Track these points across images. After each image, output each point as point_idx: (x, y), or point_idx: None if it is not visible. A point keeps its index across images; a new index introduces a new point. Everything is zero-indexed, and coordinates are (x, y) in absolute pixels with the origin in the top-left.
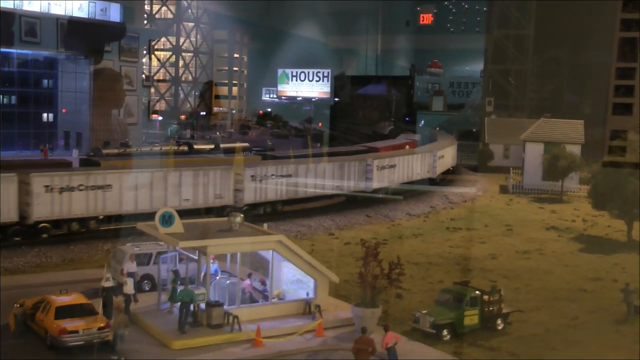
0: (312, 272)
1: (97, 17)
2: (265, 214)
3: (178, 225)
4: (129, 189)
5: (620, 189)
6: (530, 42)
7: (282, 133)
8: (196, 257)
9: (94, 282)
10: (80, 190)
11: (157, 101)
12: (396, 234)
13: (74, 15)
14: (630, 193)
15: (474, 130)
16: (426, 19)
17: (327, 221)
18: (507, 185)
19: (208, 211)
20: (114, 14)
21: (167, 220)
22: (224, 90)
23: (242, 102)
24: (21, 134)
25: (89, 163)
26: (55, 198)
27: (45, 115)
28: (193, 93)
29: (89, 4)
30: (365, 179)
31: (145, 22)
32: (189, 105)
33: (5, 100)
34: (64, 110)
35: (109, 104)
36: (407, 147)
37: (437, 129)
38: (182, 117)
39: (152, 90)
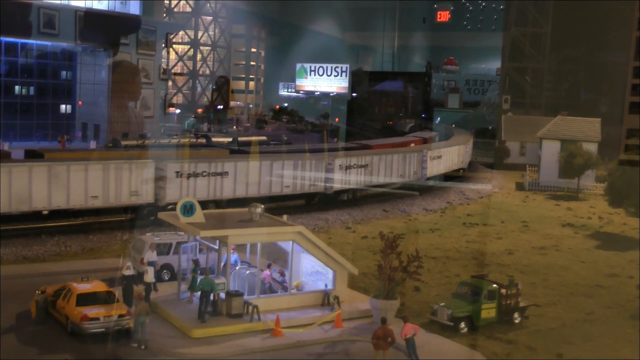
0: (331, 264)
1: (116, 10)
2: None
3: (199, 215)
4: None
5: (636, 187)
6: (547, 40)
7: (299, 128)
8: (216, 247)
9: (113, 272)
10: (204, 176)
11: (175, 94)
12: (413, 229)
13: (93, 7)
14: None
15: (490, 127)
16: (443, 16)
17: (344, 215)
18: (523, 182)
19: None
20: (134, 7)
21: (188, 210)
22: (240, 85)
23: (259, 97)
24: (39, 125)
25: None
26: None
27: (63, 106)
28: (210, 87)
29: None
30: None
31: (165, 15)
32: (206, 98)
33: (24, 91)
34: (80, 103)
35: (127, 97)
36: (413, 144)
37: (453, 126)
38: (199, 110)
39: (170, 83)
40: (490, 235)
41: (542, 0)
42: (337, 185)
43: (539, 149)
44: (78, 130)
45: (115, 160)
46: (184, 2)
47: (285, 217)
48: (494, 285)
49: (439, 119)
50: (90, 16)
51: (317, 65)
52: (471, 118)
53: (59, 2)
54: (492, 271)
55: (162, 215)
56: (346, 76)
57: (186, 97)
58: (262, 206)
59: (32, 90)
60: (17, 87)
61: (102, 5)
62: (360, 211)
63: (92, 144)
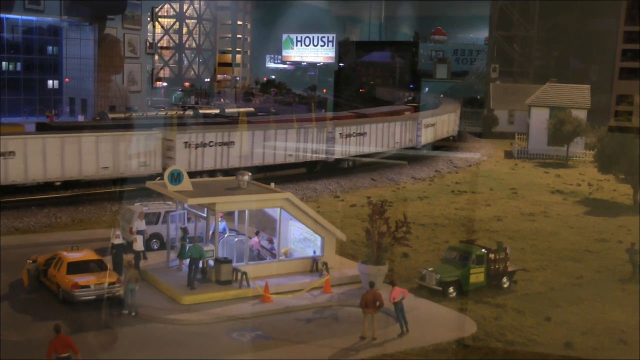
0: (319, 230)
1: None
2: None
3: (187, 183)
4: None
5: (626, 153)
6: (536, 9)
7: (286, 100)
8: (204, 215)
9: (103, 242)
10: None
11: (161, 68)
12: (401, 197)
13: None
14: (636, 157)
15: (478, 97)
16: None
17: (332, 184)
18: (512, 150)
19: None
20: None
21: (175, 178)
22: (227, 58)
23: (246, 70)
24: (27, 100)
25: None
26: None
27: (50, 82)
28: (197, 60)
29: None
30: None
31: None
32: (192, 72)
33: (11, 67)
34: (67, 80)
35: (109, 70)
36: (407, 113)
37: (442, 96)
38: (187, 84)
39: (156, 57)
40: (478, 202)
41: None
42: (337, 154)
43: (528, 117)
44: (65, 105)
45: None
46: None
47: (273, 184)
48: (483, 250)
49: (427, 89)
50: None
51: (304, 36)
52: (459, 88)
53: None
54: (480, 237)
55: (149, 184)
56: (333, 46)
57: (173, 71)
58: (249, 174)
59: (18, 66)
60: (3, 63)
61: None
62: (349, 180)
63: (80, 119)
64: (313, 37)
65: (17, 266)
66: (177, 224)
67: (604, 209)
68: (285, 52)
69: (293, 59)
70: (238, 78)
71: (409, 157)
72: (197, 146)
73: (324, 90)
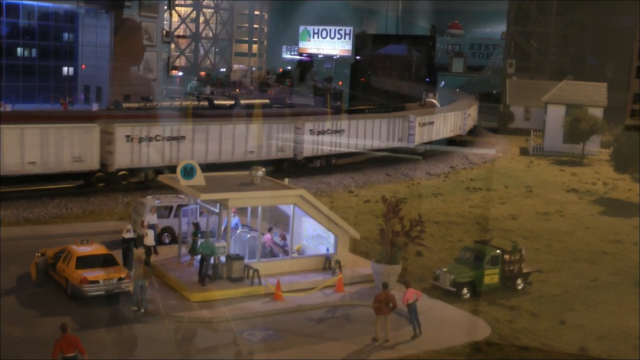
0: (333, 228)
1: None
2: None
3: (200, 177)
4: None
5: None
6: (553, 5)
7: (302, 92)
8: (217, 211)
9: (114, 235)
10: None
11: (177, 57)
12: (416, 193)
13: None
14: None
15: (494, 92)
16: None
17: (346, 179)
18: (528, 147)
19: None
20: None
21: (188, 172)
22: (244, 48)
23: (262, 60)
24: (41, 87)
25: None
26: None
27: (65, 69)
28: (213, 50)
29: None
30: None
31: None
32: (208, 61)
33: (26, 53)
34: (83, 66)
35: (129, 58)
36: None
37: (457, 90)
38: (202, 73)
39: (172, 46)
40: (493, 200)
41: None
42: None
43: (544, 114)
44: (80, 92)
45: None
46: None
47: (286, 180)
48: (497, 251)
49: (442, 83)
50: None
51: (321, 28)
52: (475, 82)
53: None
54: (495, 236)
55: (162, 177)
56: (349, 39)
57: (189, 60)
58: (263, 169)
59: (34, 52)
60: (19, 49)
61: None
62: (363, 175)
63: (95, 106)
64: (330, 30)
65: (27, 257)
66: (189, 219)
67: (619, 209)
68: (301, 44)
69: (310, 51)
70: (254, 68)
71: (424, 152)
72: (140, 140)
73: (340, 83)
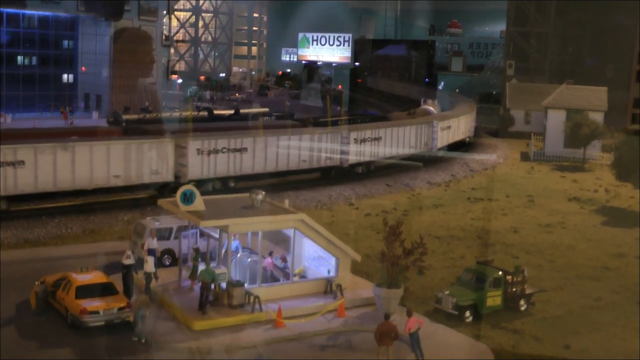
0: (334, 250)
1: None
2: None
3: (199, 202)
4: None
5: None
6: (552, 5)
7: (308, 94)
8: (217, 236)
9: (114, 256)
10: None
11: (177, 62)
12: (416, 205)
13: None
14: None
15: (494, 92)
16: None
17: (347, 190)
18: (528, 152)
19: None
20: None
21: (188, 198)
22: (243, 50)
23: (262, 62)
24: (42, 96)
25: None
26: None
27: (65, 76)
28: (212, 54)
29: None
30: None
31: None
32: (208, 65)
33: (27, 62)
34: (83, 69)
35: (139, 69)
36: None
37: (457, 91)
38: (202, 77)
39: (172, 50)
40: (495, 211)
41: None
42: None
43: (544, 118)
44: (80, 100)
45: None
46: None
47: (286, 201)
48: (500, 273)
49: (442, 83)
50: None
51: (320, 35)
52: (475, 82)
53: None
54: (497, 251)
55: (161, 202)
56: (349, 46)
57: (188, 64)
58: (263, 192)
59: (34, 60)
60: (19, 58)
61: None
62: (364, 186)
63: (94, 115)
64: (329, 37)
65: (27, 283)
66: (190, 242)
67: (622, 219)
68: (301, 51)
69: (309, 58)
70: (253, 72)
71: (425, 159)
72: (209, 152)
73: (340, 87)
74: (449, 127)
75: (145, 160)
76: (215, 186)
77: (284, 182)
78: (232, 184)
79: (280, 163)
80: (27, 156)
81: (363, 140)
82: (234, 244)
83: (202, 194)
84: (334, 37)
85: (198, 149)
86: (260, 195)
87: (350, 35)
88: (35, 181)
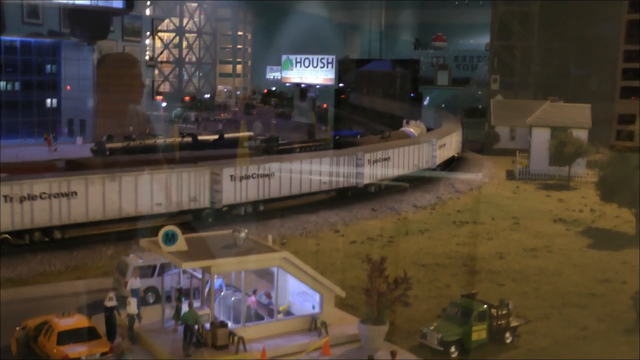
0: (318, 287)
1: (99, 4)
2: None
3: (181, 242)
4: None
5: (628, 181)
6: (535, 18)
7: (287, 113)
8: (200, 276)
9: (97, 294)
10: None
11: (161, 83)
12: (402, 230)
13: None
14: (639, 186)
15: (480, 107)
16: None
17: (332, 216)
18: (514, 170)
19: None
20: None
21: (170, 238)
22: (228, 69)
23: (247, 80)
24: (25, 122)
25: None
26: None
27: (49, 101)
28: (197, 74)
29: None
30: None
31: (149, 3)
32: (193, 86)
33: (9, 87)
34: (68, 88)
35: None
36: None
37: (443, 106)
38: (186, 98)
39: (156, 71)
40: (480, 235)
41: None
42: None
43: (529, 136)
44: (64, 126)
45: None
46: None
47: (270, 237)
48: (485, 306)
49: (427, 98)
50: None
51: (303, 57)
52: (461, 97)
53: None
54: (482, 280)
55: (143, 242)
56: (332, 67)
57: (173, 85)
58: (246, 230)
59: (17, 85)
60: (1, 84)
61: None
62: (349, 212)
63: (79, 140)
64: (313, 59)
65: (9, 326)
66: (173, 280)
67: (607, 240)
68: (284, 73)
69: (292, 80)
70: (238, 92)
71: (410, 179)
72: (241, 178)
73: (324, 106)
74: (444, 145)
75: (184, 188)
76: (247, 210)
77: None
78: (261, 208)
79: (304, 186)
80: (80, 187)
81: (375, 161)
82: (218, 282)
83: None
84: (317, 58)
85: (231, 176)
86: (243, 234)
87: (334, 57)
88: (86, 211)
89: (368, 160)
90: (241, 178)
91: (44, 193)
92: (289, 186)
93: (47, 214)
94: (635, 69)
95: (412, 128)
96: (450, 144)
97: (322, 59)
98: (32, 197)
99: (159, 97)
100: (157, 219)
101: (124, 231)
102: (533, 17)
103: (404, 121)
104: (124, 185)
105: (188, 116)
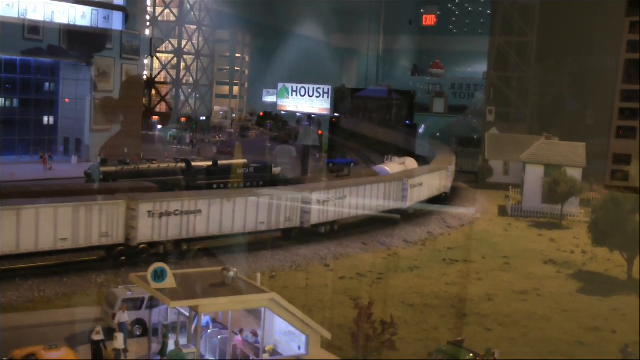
0: (304, 329)
1: (99, 25)
2: None
3: (170, 280)
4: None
5: (621, 226)
6: (532, 50)
7: (282, 137)
8: (187, 314)
9: (87, 324)
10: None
11: (158, 103)
12: (392, 266)
13: (76, 23)
14: (631, 231)
15: (475, 137)
16: (429, 20)
17: (322, 250)
18: (506, 205)
19: None
20: (117, 21)
21: (159, 275)
22: (224, 90)
23: (243, 102)
24: (21, 140)
25: None
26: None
27: (45, 119)
28: (194, 95)
29: (91, 12)
30: None
31: (148, 23)
32: (189, 107)
33: (8, 104)
34: (67, 100)
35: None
36: None
37: (438, 135)
38: (182, 119)
39: (153, 92)
40: (470, 275)
41: (528, 8)
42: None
43: (523, 173)
44: (60, 144)
45: None
46: (168, 10)
47: (258, 275)
48: (471, 355)
49: (423, 126)
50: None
51: (299, 86)
52: (457, 126)
53: (42, 19)
54: (470, 323)
55: (132, 277)
56: (328, 97)
57: (169, 106)
58: (235, 269)
59: (15, 102)
60: (1, 100)
61: (85, 21)
62: (339, 245)
63: (74, 159)
64: (309, 88)
65: None
66: (161, 317)
67: (598, 285)
68: (280, 101)
69: (288, 109)
70: (234, 115)
71: (402, 212)
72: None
73: (320, 132)
74: (420, 184)
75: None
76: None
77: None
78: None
79: (237, 225)
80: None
81: (326, 201)
82: (205, 319)
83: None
84: (313, 88)
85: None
86: (232, 272)
87: (330, 87)
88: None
89: (318, 199)
90: (161, 215)
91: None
92: (219, 225)
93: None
94: (633, 108)
95: (389, 166)
96: (433, 181)
97: (318, 88)
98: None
99: (155, 118)
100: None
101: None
102: (530, 49)
103: (385, 157)
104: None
105: (183, 137)
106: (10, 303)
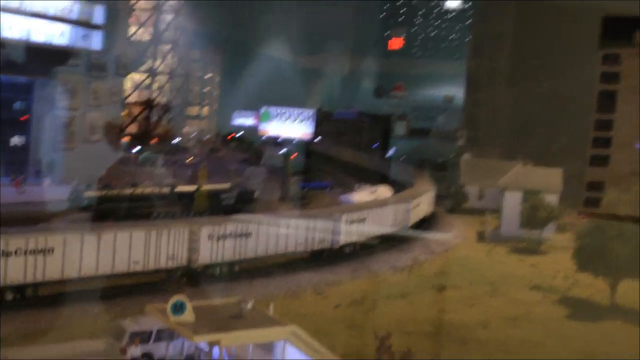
0: None
1: (78, 44)
2: None
3: (189, 313)
4: None
5: (605, 253)
6: (504, 73)
7: (251, 160)
8: (205, 348)
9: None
10: None
11: (129, 123)
12: (384, 294)
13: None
14: (614, 257)
15: (440, 160)
16: (395, 44)
17: (315, 277)
18: (484, 230)
19: None
20: (96, 39)
21: (178, 308)
22: (194, 111)
23: (212, 123)
24: None
25: None
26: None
27: (17, 139)
28: (166, 116)
29: (70, 30)
30: None
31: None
32: (161, 129)
33: None
34: (24, 118)
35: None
36: None
37: (402, 159)
38: (154, 140)
39: (125, 111)
40: (461, 301)
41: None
42: None
43: (500, 197)
44: (32, 166)
45: None
46: (142, 30)
47: (272, 306)
48: None
49: (394, 149)
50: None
51: (282, 110)
52: (421, 149)
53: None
54: (470, 350)
55: (150, 309)
56: (312, 121)
57: (141, 127)
58: (253, 300)
59: None
60: None
61: (64, 39)
62: (330, 271)
63: (46, 182)
64: (292, 112)
65: None
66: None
67: (585, 311)
68: (262, 126)
69: (270, 133)
70: (208, 136)
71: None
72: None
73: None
74: (418, 205)
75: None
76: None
77: None
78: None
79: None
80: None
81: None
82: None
83: None
84: (297, 112)
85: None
86: (250, 304)
87: (314, 110)
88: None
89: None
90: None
91: None
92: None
93: None
94: (606, 137)
95: (359, 195)
96: (422, 205)
97: (301, 112)
98: None
99: (126, 139)
100: None
101: None
102: (502, 72)
103: (355, 185)
104: None
105: (155, 159)
106: (4, 337)
